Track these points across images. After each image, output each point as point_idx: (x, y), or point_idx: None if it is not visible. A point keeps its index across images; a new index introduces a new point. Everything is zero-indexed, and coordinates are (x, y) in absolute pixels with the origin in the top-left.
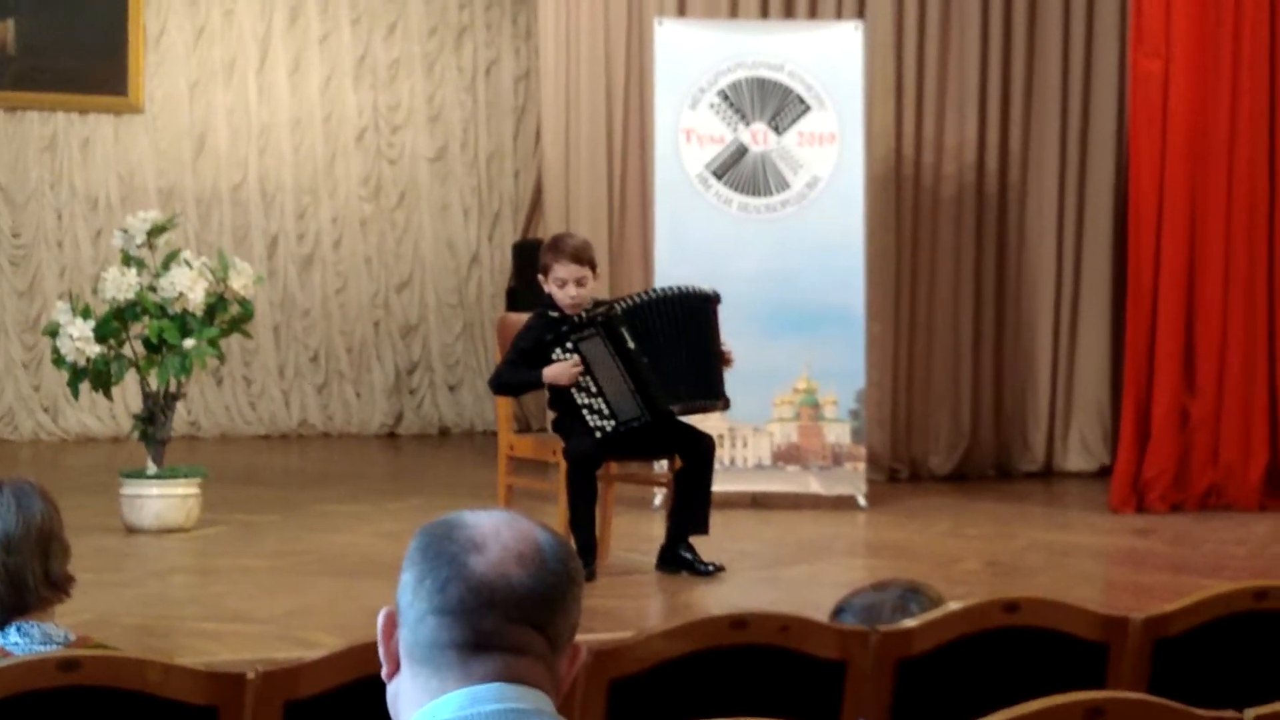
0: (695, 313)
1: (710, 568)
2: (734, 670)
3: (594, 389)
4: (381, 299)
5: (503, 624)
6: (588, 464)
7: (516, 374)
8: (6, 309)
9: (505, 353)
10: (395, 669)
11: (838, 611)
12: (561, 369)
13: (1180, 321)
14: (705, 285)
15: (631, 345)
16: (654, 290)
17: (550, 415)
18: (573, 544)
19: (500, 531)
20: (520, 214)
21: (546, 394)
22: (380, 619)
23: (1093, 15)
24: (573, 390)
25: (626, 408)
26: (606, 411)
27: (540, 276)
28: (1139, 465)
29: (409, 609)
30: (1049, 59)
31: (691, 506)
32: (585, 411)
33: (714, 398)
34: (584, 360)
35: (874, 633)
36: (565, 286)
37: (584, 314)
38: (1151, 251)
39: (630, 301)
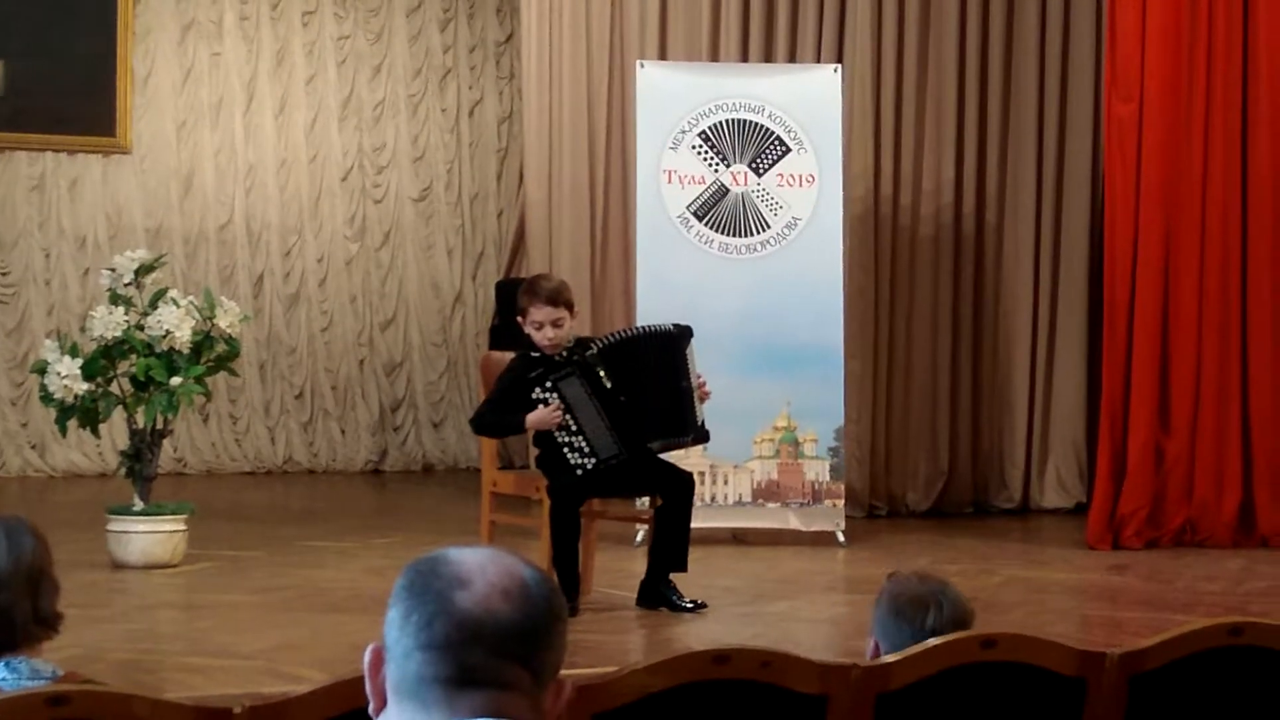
0: (669, 349)
1: (690, 605)
2: (716, 705)
3: (574, 428)
4: (366, 337)
5: (488, 659)
6: (571, 501)
7: (499, 415)
8: None
9: (488, 392)
10: (382, 704)
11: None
12: (543, 415)
13: (1155, 360)
14: (678, 321)
15: (608, 385)
16: (629, 329)
17: (534, 452)
18: (555, 580)
19: (485, 567)
20: (504, 253)
21: (530, 431)
22: (367, 655)
23: (1068, 59)
24: (554, 429)
25: (605, 446)
26: (587, 450)
27: (518, 318)
28: (1114, 502)
29: (395, 645)
30: (1025, 102)
31: (671, 544)
32: (566, 450)
33: (691, 433)
34: (563, 400)
35: (854, 667)
36: (542, 329)
37: (563, 354)
38: (1126, 291)
39: (606, 341)
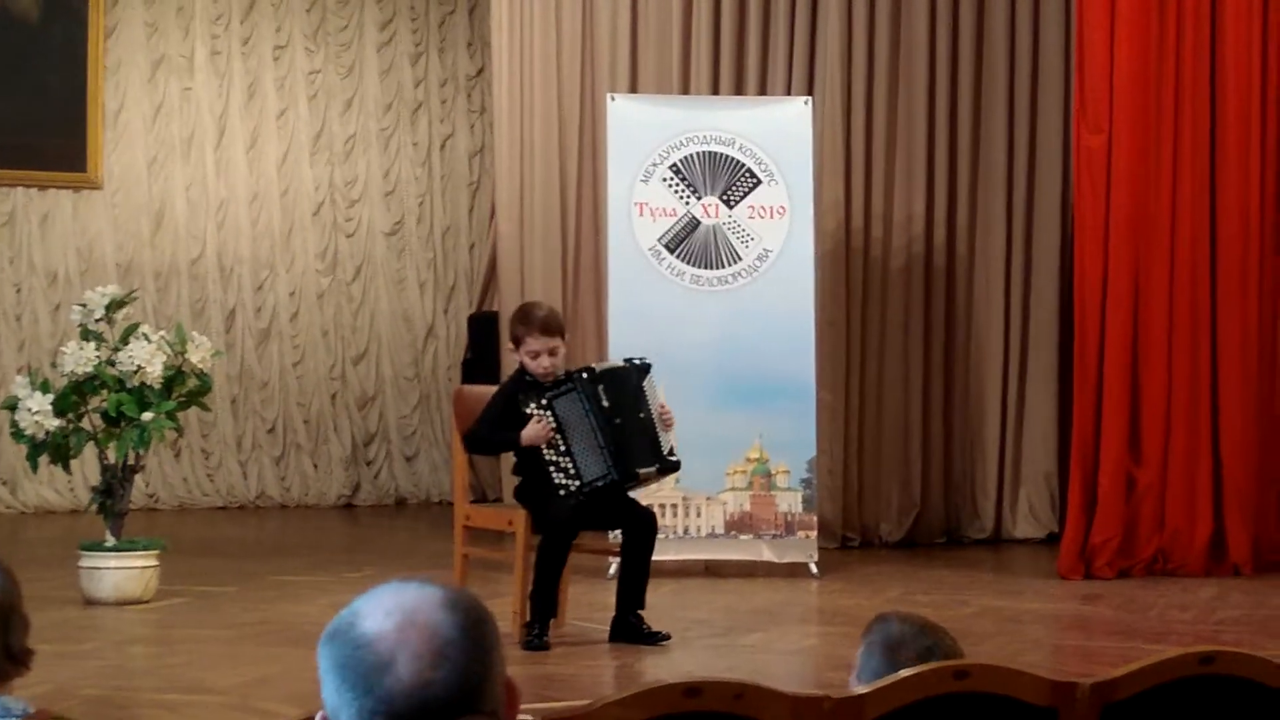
0: (642, 382)
1: (656, 636)
2: None
3: (563, 447)
4: (338, 371)
5: None
6: (566, 530)
7: (494, 432)
8: None
9: (481, 412)
10: None
11: (868, 631)
12: (538, 430)
13: (1125, 391)
14: (644, 355)
15: (606, 404)
16: (604, 363)
17: (513, 482)
18: (529, 611)
19: (405, 636)
20: (475, 287)
21: (513, 459)
22: None
23: (1037, 91)
24: (542, 447)
25: (593, 468)
26: (573, 471)
27: (511, 346)
28: (1086, 532)
29: None
30: (995, 134)
31: (631, 582)
32: (551, 469)
33: (656, 463)
34: (556, 418)
35: (826, 699)
36: (539, 358)
37: (561, 375)
38: (1097, 322)
39: (599, 367)
